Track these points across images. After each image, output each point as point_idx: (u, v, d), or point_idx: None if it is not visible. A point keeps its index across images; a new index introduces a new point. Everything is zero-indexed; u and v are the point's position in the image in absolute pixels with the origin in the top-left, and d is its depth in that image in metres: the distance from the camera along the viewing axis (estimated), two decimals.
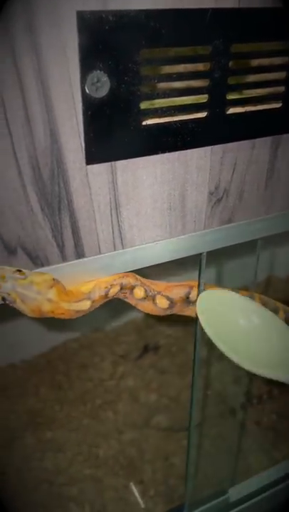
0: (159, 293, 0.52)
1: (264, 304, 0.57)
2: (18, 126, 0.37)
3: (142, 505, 0.87)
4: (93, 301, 0.46)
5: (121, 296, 0.50)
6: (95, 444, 1.01)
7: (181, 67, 0.40)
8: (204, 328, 0.51)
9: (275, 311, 0.59)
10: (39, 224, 0.42)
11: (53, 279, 0.43)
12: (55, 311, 0.43)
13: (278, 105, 0.46)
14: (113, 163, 0.42)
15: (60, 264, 0.45)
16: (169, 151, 0.43)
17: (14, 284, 0.41)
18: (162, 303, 0.52)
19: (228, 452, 0.84)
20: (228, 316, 0.53)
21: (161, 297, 0.52)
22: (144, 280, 0.51)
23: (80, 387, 1.13)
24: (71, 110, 0.38)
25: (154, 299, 0.52)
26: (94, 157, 0.41)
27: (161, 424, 1.04)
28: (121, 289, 0.49)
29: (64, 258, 0.45)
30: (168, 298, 0.52)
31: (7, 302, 0.42)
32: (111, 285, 0.48)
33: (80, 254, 0.45)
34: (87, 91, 0.37)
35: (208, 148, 0.45)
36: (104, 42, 0.36)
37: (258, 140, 0.47)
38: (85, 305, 0.45)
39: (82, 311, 0.45)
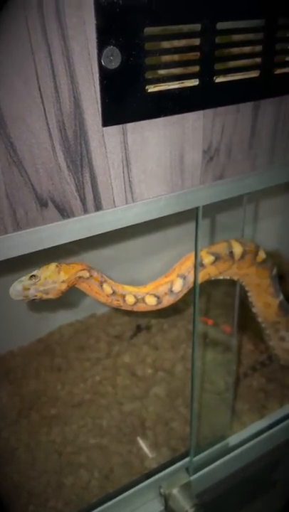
0: (147, 294, 0.61)
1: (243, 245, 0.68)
2: (48, 95, 0.44)
3: (150, 456, 0.94)
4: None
5: (115, 304, 0.59)
6: (98, 416, 1.06)
7: (177, 43, 0.48)
8: None
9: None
10: (65, 179, 0.49)
11: (56, 265, 0.53)
12: (69, 285, 0.54)
13: (257, 74, 0.54)
14: (124, 125, 0.50)
15: (83, 216, 0.52)
16: (170, 115, 0.51)
17: (35, 288, 0.51)
18: (151, 301, 0.61)
19: (227, 405, 0.92)
20: None
21: (149, 296, 0.61)
22: (130, 288, 0.61)
23: (79, 367, 1.17)
24: (90, 80, 0.46)
25: (144, 300, 0.61)
26: (108, 120, 0.48)
27: (159, 395, 1.11)
28: (113, 293, 0.59)
29: (86, 210, 0.52)
30: (155, 295, 0.61)
31: (37, 301, 0.52)
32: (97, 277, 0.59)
33: (98, 206, 0.53)
34: (103, 63, 0.45)
35: (201, 112, 0.53)
36: (116, 22, 0.44)
37: (241, 105, 0.56)
38: (85, 274, 0.56)
39: (83, 277, 0.56)
